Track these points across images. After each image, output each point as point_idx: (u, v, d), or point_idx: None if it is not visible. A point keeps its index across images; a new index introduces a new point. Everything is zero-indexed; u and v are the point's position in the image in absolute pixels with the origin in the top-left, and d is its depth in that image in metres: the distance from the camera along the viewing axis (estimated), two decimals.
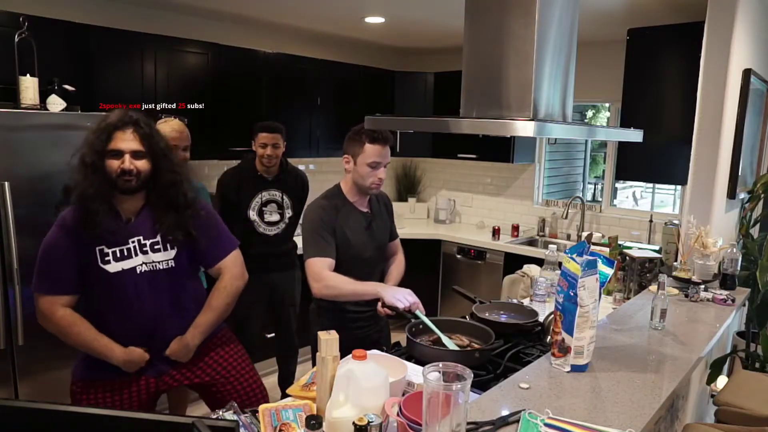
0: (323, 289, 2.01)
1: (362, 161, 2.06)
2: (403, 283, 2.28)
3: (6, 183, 2.33)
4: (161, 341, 1.80)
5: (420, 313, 1.90)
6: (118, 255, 1.70)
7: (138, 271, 1.72)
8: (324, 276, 2.01)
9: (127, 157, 1.65)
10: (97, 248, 1.68)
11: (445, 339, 1.82)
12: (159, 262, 1.75)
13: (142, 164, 1.67)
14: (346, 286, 2.00)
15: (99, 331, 1.72)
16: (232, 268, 1.93)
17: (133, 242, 1.72)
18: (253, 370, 2.00)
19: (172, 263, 1.77)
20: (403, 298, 1.91)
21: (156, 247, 1.74)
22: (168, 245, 1.76)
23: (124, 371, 1.75)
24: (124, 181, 1.65)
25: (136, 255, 1.72)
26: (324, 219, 2.06)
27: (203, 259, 1.89)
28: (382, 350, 1.84)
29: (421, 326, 1.88)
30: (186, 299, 1.85)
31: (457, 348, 1.80)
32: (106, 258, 1.69)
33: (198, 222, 1.80)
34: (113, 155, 1.64)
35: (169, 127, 2.58)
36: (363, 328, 2.16)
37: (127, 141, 1.65)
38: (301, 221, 2.21)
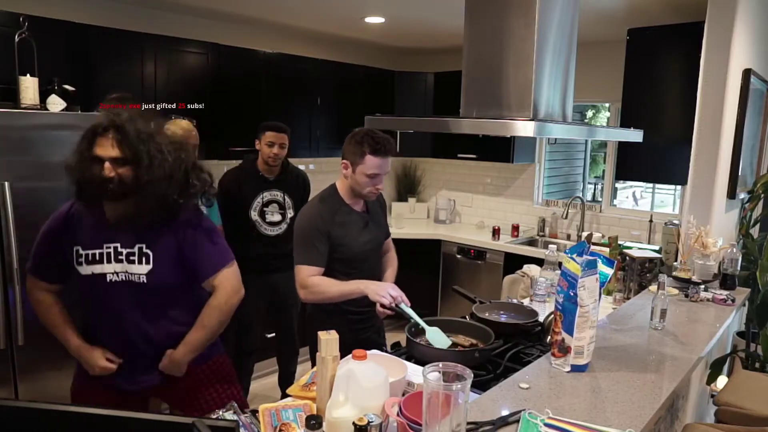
0: (309, 295, 2.04)
1: (361, 171, 2.01)
2: (402, 283, 2.28)
3: (6, 183, 2.33)
4: (147, 355, 1.72)
5: (405, 306, 1.90)
6: (89, 258, 1.63)
7: (108, 279, 1.62)
8: (309, 283, 2.02)
9: (107, 164, 1.53)
10: (74, 247, 1.65)
11: (431, 333, 1.82)
12: (133, 275, 1.63)
13: (125, 171, 1.54)
14: (331, 288, 2.01)
15: (85, 332, 1.73)
16: (226, 284, 1.75)
17: (108, 248, 1.62)
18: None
19: (144, 279, 1.64)
20: (386, 293, 1.91)
21: (131, 258, 1.63)
22: (144, 258, 1.63)
23: (118, 384, 1.73)
24: (105, 188, 1.54)
25: (109, 262, 1.62)
26: (318, 226, 2.03)
27: (195, 275, 1.74)
28: (383, 350, 1.84)
29: (420, 326, 1.88)
30: (173, 315, 1.73)
31: (447, 343, 1.81)
32: (80, 259, 1.64)
33: (186, 235, 1.67)
34: (95, 161, 1.54)
35: (177, 127, 2.57)
36: (361, 330, 2.15)
37: (106, 147, 1.53)
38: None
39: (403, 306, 1.91)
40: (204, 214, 1.79)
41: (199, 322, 1.74)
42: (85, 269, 1.63)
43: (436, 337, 1.82)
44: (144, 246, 1.63)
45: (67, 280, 1.71)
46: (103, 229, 1.63)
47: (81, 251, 1.64)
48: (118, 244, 1.63)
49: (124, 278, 1.63)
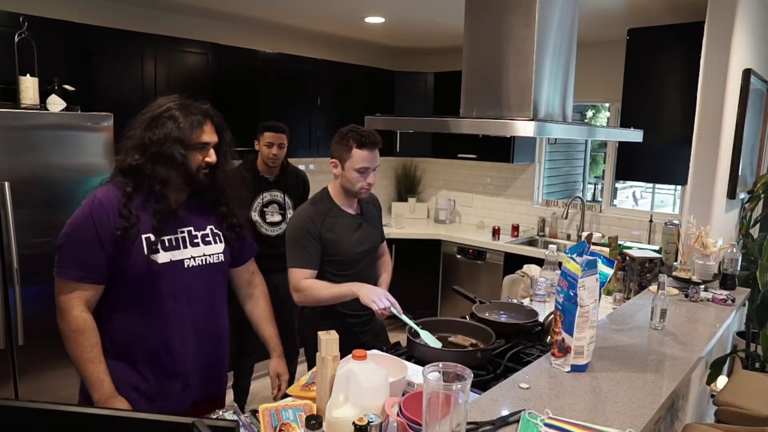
0: (302, 298, 2.03)
1: (350, 166, 2.00)
2: (402, 283, 2.28)
3: (6, 183, 2.33)
4: (202, 348, 1.62)
5: (396, 311, 1.88)
6: (167, 245, 1.52)
7: (186, 266, 1.56)
8: (302, 286, 2.01)
9: (211, 150, 1.56)
10: (144, 236, 1.49)
11: (425, 335, 1.80)
12: (212, 256, 1.61)
13: (216, 157, 1.59)
14: (323, 291, 2.00)
15: (116, 338, 1.52)
16: (258, 272, 1.89)
17: (182, 233, 1.56)
18: None
19: (221, 257, 1.64)
20: (378, 299, 1.88)
21: (207, 239, 1.61)
22: (217, 238, 1.63)
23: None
24: (204, 174, 1.55)
25: (185, 247, 1.56)
26: (308, 228, 2.02)
27: (239, 256, 1.77)
28: (382, 350, 1.84)
29: (420, 326, 1.88)
30: (222, 298, 1.73)
31: (439, 344, 1.78)
32: (154, 247, 1.49)
33: (240, 218, 1.72)
34: (198, 148, 1.53)
35: None
36: (359, 333, 2.14)
37: (210, 134, 1.56)
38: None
39: (395, 312, 1.88)
40: None
41: (269, 318, 1.87)
42: (164, 257, 1.51)
43: (429, 340, 1.81)
44: (213, 227, 1.64)
45: (108, 281, 1.52)
46: (169, 216, 1.53)
47: (154, 238, 1.50)
48: (191, 228, 1.59)
49: (201, 262, 1.58)
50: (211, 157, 1.55)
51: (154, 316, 1.53)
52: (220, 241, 1.64)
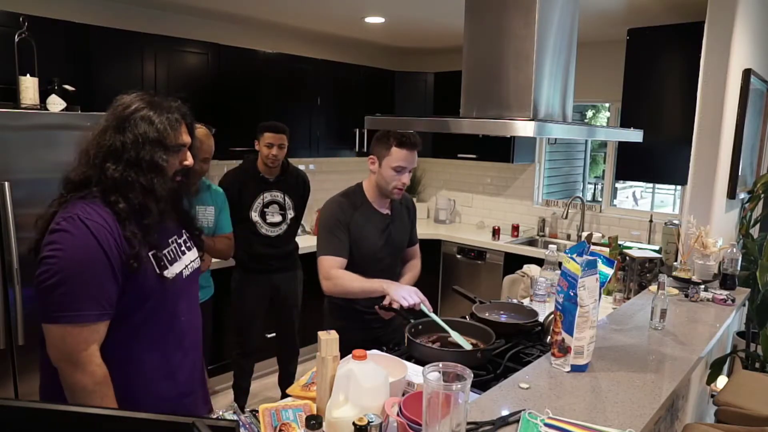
0: (332, 287, 2.03)
1: (387, 164, 2.03)
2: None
3: (6, 183, 2.34)
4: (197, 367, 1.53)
5: (426, 309, 1.89)
6: (169, 258, 1.39)
7: (184, 276, 1.44)
8: (333, 275, 2.01)
9: (188, 152, 1.41)
10: (149, 253, 1.34)
11: (455, 335, 1.82)
12: (193, 261, 1.51)
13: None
14: (353, 283, 2.00)
15: (127, 375, 1.35)
16: None
17: (172, 242, 1.44)
18: None
19: (198, 262, 1.55)
20: (408, 295, 1.89)
21: (187, 245, 1.50)
22: (191, 243, 1.53)
23: None
24: (177, 181, 1.41)
25: (178, 258, 1.43)
26: (339, 217, 2.05)
27: None
28: (383, 350, 1.84)
29: (420, 326, 1.88)
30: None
31: (470, 346, 1.79)
32: (162, 263, 1.35)
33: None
34: (176, 150, 1.38)
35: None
36: (377, 329, 2.15)
37: (185, 134, 1.40)
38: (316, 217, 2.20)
39: (425, 309, 1.88)
40: None
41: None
42: (171, 271, 1.38)
43: (460, 340, 1.81)
44: (185, 231, 1.53)
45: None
46: (153, 225, 1.37)
47: (159, 253, 1.37)
48: (175, 236, 1.46)
49: (190, 271, 1.48)
50: (189, 159, 1.41)
51: (170, 336, 1.42)
52: (194, 246, 1.54)
